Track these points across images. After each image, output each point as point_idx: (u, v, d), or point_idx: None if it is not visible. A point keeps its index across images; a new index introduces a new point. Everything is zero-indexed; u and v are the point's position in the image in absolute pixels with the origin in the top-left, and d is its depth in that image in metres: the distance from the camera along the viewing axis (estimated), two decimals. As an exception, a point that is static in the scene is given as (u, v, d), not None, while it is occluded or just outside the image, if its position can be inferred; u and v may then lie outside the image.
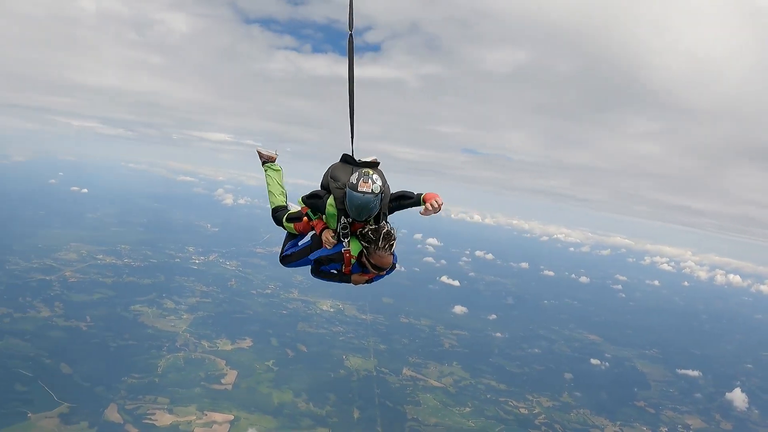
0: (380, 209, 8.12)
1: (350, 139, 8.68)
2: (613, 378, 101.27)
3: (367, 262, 8.22)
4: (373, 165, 8.56)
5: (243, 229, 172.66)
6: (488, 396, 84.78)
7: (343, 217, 8.25)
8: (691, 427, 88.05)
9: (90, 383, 66.65)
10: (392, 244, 8.11)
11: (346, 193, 7.92)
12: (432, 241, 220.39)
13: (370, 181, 7.69)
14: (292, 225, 9.32)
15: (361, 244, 8.20)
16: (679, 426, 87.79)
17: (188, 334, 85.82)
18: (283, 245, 9.55)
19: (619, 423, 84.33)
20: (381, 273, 8.47)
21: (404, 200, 8.45)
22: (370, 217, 8.01)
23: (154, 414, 64.03)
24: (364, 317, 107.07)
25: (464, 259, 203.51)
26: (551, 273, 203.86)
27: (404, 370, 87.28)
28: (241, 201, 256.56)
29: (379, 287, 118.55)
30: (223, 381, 74.29)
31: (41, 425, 58.00)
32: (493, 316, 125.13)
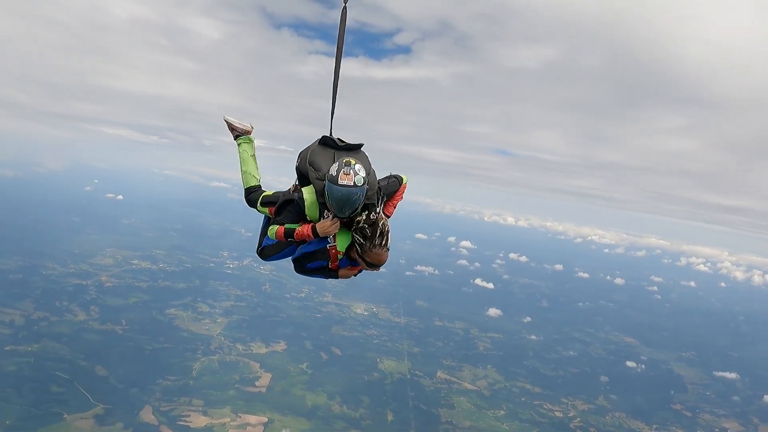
0: (368, 201, 7.50)
1: (330, 117, 8.03)
2: (649, 381, 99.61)
3: (360, 258, 7.53)
4: (357, 148, 8.02)
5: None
6: (523, 399, 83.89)
7: (326, 210, 7.51)
8: (729, 431, 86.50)
9: (125, 385, 67.01)
10: (388, 240, 7.43)
11: (324, 186, 7.20)
12: (466, 243, 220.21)
13: (351, 172, 6.94)
14: (267, 210, 8.55)
15: (354, 240, 7.48)
16: (716, 429, 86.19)
17: (223, 338, 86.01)
18: (261, 234, 8.66)
19: (655, 426, 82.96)
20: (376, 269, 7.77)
21: (391, 187, 8.13)
22: (354, 212, 7.25)
23: (188, 416, 64.15)
24: (398, 320, 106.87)
25: (498, 261, 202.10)
26: (586, 275, 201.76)
27: (438, 373, 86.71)
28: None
29: (413, 290, 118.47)
30: (257, 383, 74.27)
31: (77, 426, 58.33)
32: (528, 319, 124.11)
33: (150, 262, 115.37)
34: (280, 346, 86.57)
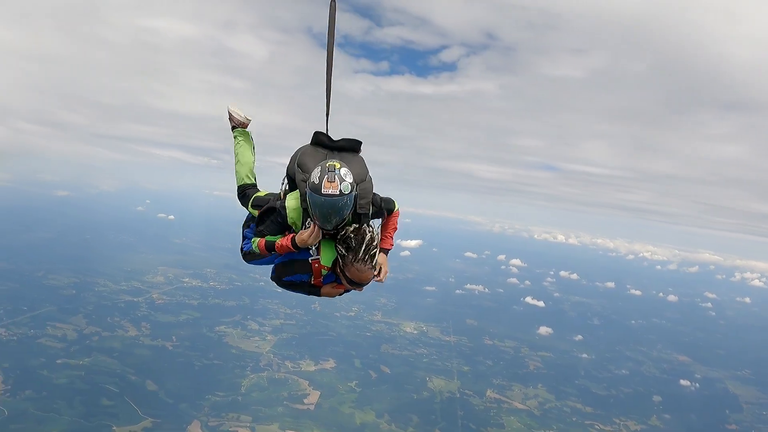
0: (361, 210, 6.66)
1: (326, 113, 7.27)
2: (703, 400, 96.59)
3: (341, 274, 6.69)
4: (353, 148, 7.25)
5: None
6: (574, 419, 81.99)
7: (309, 218, 6.57)
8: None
9: (174, 400, 67.11)
10: (374, 255, 6.52)
11: (306, 194, 6.28)
12: (516, 261, 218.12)
13: (336, 178, 6.03)
14: (256, 211, 7.62)
15: (337, 251, 6.65)
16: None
17: (272, 355, 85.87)
18: (243, 235, 7.82)
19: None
20: (358, 288, 6.81)
21: (387, 204, 7.25)
22: (340, 221, 6.33)
23: (236, 431, 64.01)
24: (447, 339, 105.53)
25: (549, 279, 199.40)
26: (638, 292, 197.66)
27: (488, 392, 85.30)
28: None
29: (463, 309, 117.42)
30: (305, 401, 73.77)
31: (125, 438, 58.77)
32: (579, 337, 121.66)
33: (201, 281, 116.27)
34: (329, 364, 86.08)
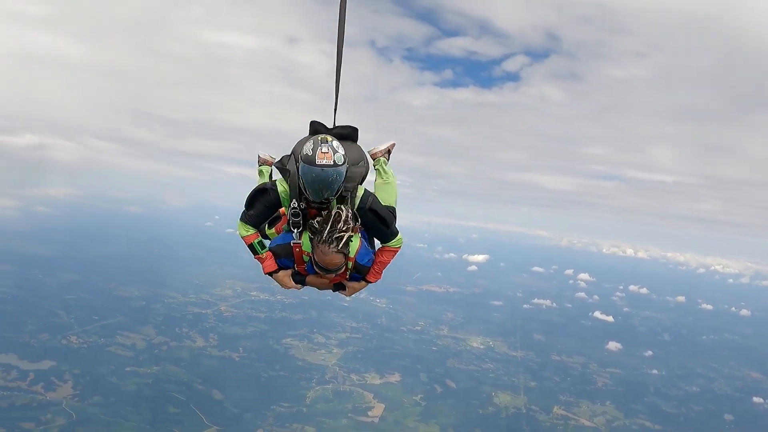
0: (345, 191, 6.53)
1: (334, 107, 6.97)
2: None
3: (312, 260, 6.61)
4: (350, 136, 7.21)
5: (393, 268, 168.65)
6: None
7: (294, 199, 6.60)
8: None
9: (239, 409, 67.60)
10: (341, 237, 6.25)
11: (299, 169, 6.22)
12: (584, 276, 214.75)
13: (329, 149, 5.97)
14: (274, 230, 7.83)
15: (309, 236, 6.62)
16: None
17: (337, 368, 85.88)
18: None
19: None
20: (330, 276, 6.83)
21: (379, 226, 7.03)
22: (332, 194, 6.24)
23: (300, 441, 64.18)
24: (514, 354, 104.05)
25: (618, 294, 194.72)
26: (710, 307, 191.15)
27: (555, 409, 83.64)
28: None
29: (530, 324, 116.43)
30: (370, 413, 73.51)
31: (191, 445, 59.39)
32: (649, 353, 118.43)
33: (268, 294, 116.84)
34: (395, 378, 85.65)
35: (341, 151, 6.05)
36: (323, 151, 5.92)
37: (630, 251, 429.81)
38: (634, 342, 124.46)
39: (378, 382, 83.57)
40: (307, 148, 6.00)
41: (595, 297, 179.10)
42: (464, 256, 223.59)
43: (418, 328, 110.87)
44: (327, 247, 6.19)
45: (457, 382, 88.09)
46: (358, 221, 6.72)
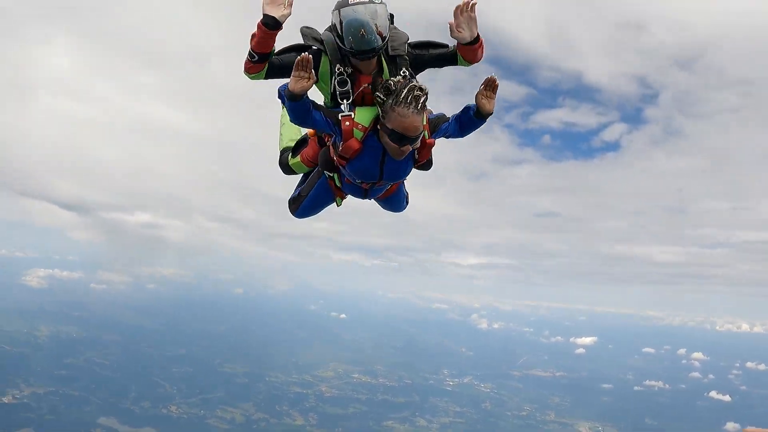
0: (395, 51, 5.88)
1: None
2: None
3: (382, 130, 5.69)
4: None
5: (498, 352, 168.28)
6: None
7: (338, 65, 5.85)
8: None
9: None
10: (419, 98, 5.46)
11: (334, 23, 5.65)
12: (697, 355, 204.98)
13: None
14: (298, 159, 7.01)
15: (376, 101, 5.72)
16: None
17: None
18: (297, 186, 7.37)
19: None
20: (403, 149, 5.72)
21: (432, 49, 6.12)
22: (374, 37, 5.51)
23: None
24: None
25: (734, 372, 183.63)
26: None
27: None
28: (496, 325, 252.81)
29: (641, 407, 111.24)
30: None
31: None
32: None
33: (370, 377, 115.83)
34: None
35: None
36: None
37: (745, 327, 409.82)
38: (753, 422, 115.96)
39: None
40: None
41: (710, 376, 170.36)
42: (572, 339, 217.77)
43: (524, 413, 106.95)
44: (406, 109, 5.45)
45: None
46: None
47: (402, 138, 5.57)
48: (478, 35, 5.76)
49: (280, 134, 7.54)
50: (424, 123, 5.80)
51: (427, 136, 5.98)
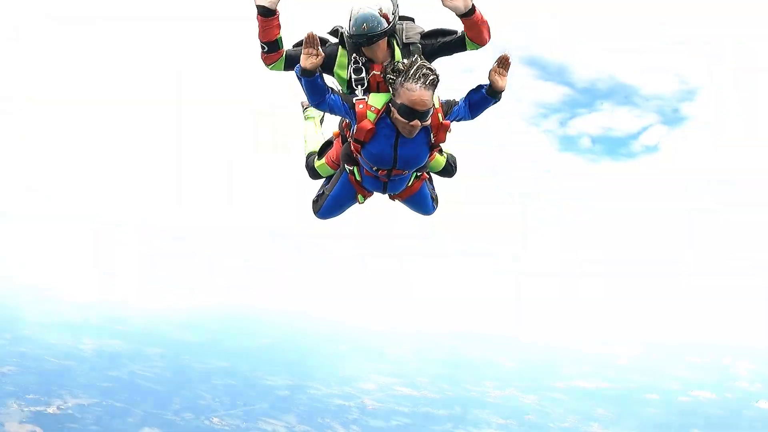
0: (410, 39, 6.10)
1: None
2: None
3: (393, 107, 5.77)
4: None
5: (542, 364, 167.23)
6: None
7: (354, 54, 6.09)
8: None
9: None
10: (427, 75, 5.58)
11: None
12: (743, 363, 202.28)
13: None
14: (324, 161, 7.17)
15: (387, 82, 5.89)
16: None
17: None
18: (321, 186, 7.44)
19: None
20: (413, 124, 5.74)
21: (443, 37, 6.19)
22: (381, 29, 5.72)
23: None
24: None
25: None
26: None
27: None
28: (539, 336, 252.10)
29: (687, 418, 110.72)
30: None
31: None
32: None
33: (413, 389, 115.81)
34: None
35: None
36: None
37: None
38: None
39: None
40: None
41: (758, 385, 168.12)
42: (615, 349, 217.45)
43: (567, 424, 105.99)
44: (413, 84, 5.61)
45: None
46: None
47: (411, 112, 5.66)
48: (473, 7, 5.74)
49: (305, 141, 7.76)
50: (437, 105, 5.98)
51: (441, 118, 6.08)
